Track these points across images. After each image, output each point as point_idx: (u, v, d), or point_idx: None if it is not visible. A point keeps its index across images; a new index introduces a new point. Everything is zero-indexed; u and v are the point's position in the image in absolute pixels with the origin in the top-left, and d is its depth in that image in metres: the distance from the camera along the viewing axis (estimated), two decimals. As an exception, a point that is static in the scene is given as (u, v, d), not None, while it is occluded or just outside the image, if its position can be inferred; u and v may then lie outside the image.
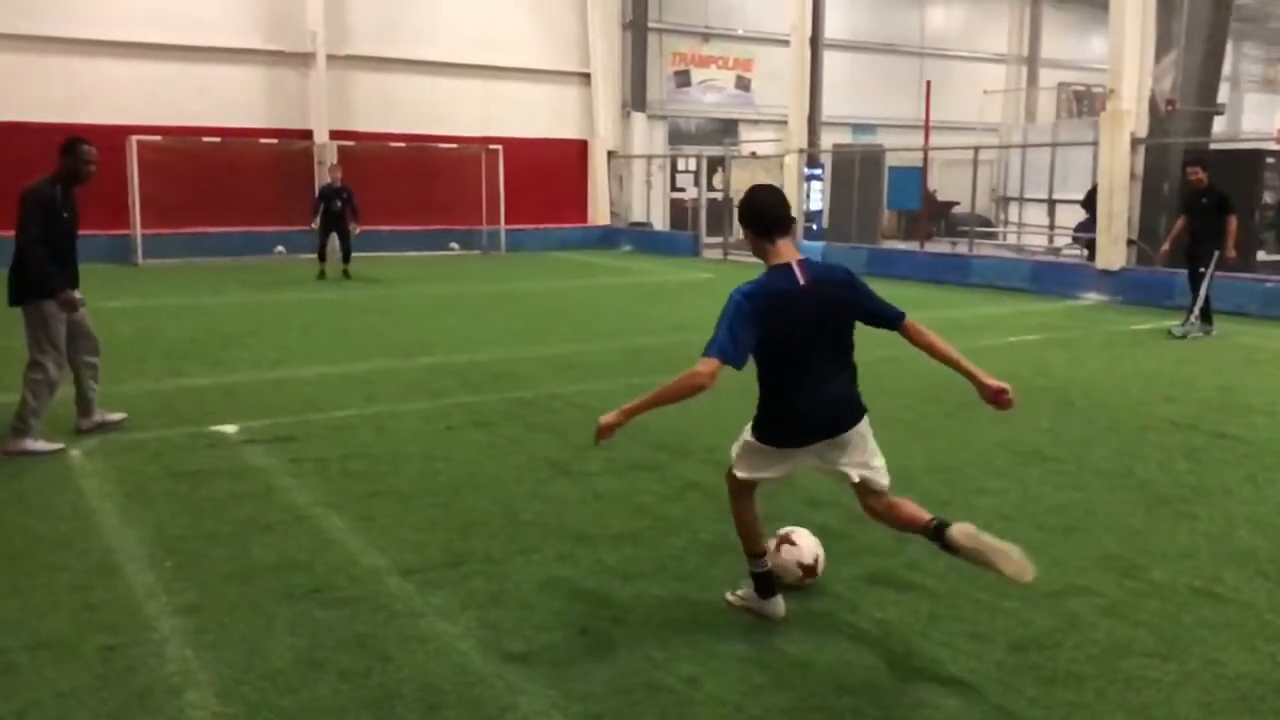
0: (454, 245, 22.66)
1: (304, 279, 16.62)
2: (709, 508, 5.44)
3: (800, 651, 3.80)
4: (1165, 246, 12.77)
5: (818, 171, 22.54)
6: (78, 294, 6.63)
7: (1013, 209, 25.27)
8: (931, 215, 25.36)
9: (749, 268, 19.49)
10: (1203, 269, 11.40)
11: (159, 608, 4.16)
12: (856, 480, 3.93)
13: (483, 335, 11.53)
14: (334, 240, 17.14)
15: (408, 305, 14.38)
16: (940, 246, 21.62)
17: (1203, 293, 11.43)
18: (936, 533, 3.80)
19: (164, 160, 19.22)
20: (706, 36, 26.91)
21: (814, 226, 22.16)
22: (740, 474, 4.02)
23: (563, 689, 3.51)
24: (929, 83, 24.26)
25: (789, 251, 3.85)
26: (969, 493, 5.74)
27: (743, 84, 27.62)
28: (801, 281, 3.80)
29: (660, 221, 26.45)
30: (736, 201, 19.71)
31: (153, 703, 3.41)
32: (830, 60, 23.77)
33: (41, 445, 6.41)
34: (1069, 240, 21.40)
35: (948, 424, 7.42)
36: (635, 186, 26.22)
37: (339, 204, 16.76)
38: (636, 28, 25.46)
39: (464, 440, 6.83)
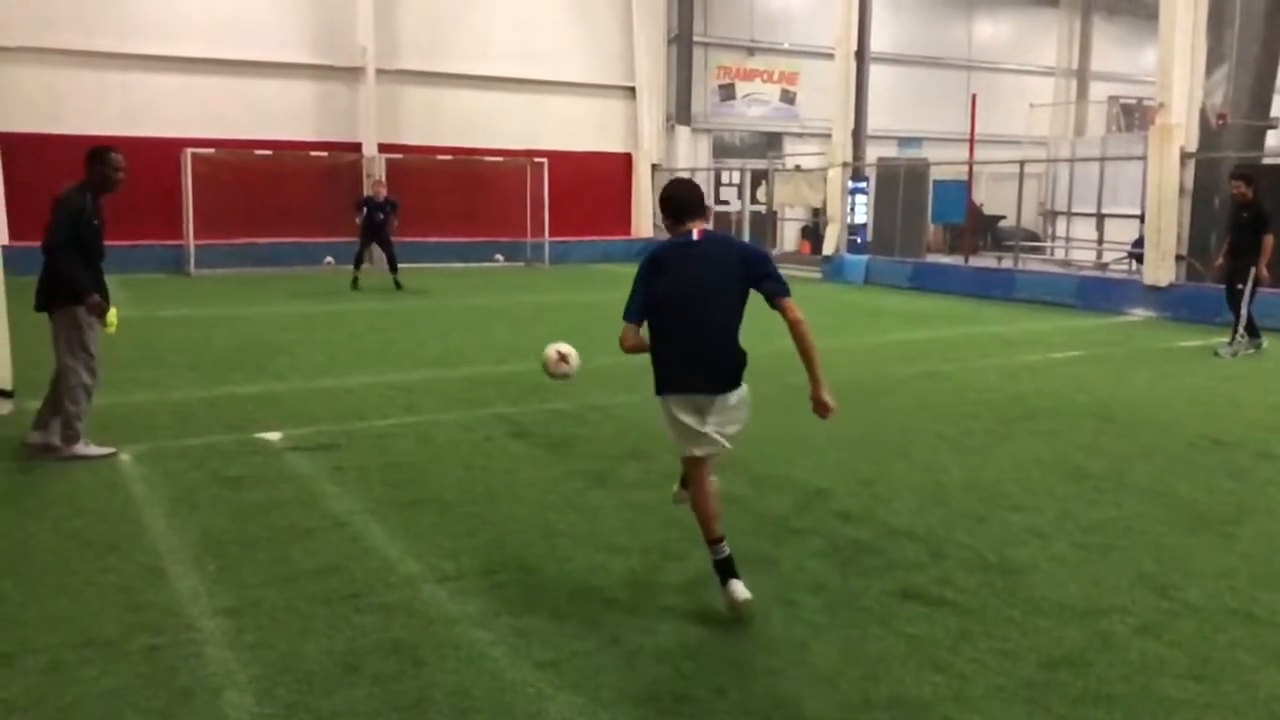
0: (498, 257, 22.88)
1: (352, 290, 16.91)
2: (742, 521, 5.46)
3: (829, 665, 3.81)
4: (1218, 262, 12.57)
5: (863, 185, 22.43)
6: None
7: (1060, 223, 24.98)
8: (977, 229, 25.14)
9: (792, 281, 19.31)
10: (1240, 285, 11.22)
11: (201, 609, 4.28)
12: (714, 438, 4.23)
13: (523, 346, 11.63)
14: (377, 252, 17.50)
15: (451, 316, 14.55)
16: (985, 261, 21.44)
17: (1244, 310, 11.24)
18: (720, 565, 4.19)
19: (217, 172, 19.67)
20: (751, 50, 26.96)
21: (858, 240, 22.05)
22: (683, 452, 4.34)
23: (591, 697, 3.57)
24: (974, 96, 24.08)
25: (695, 226, 4.33)
26: (1004, 509, 5.71)
27: (787, 97, 27.62)
28: (695, 238, 4.27)
29: (703, 234, 26.44)
30: (779, 213, 19.51)
31: (193, 702, 3.51)
32: (876, 73, 23.67)
33: (94, 449, 6.59)
34: (1120, 255, 21.10)
35: (986, 440, 7.37)
36: (679, 199, 26.24)
37: (381, 217, 17.04)
38: (682, 42, 25.58)
39: (502, 450, 6.92)
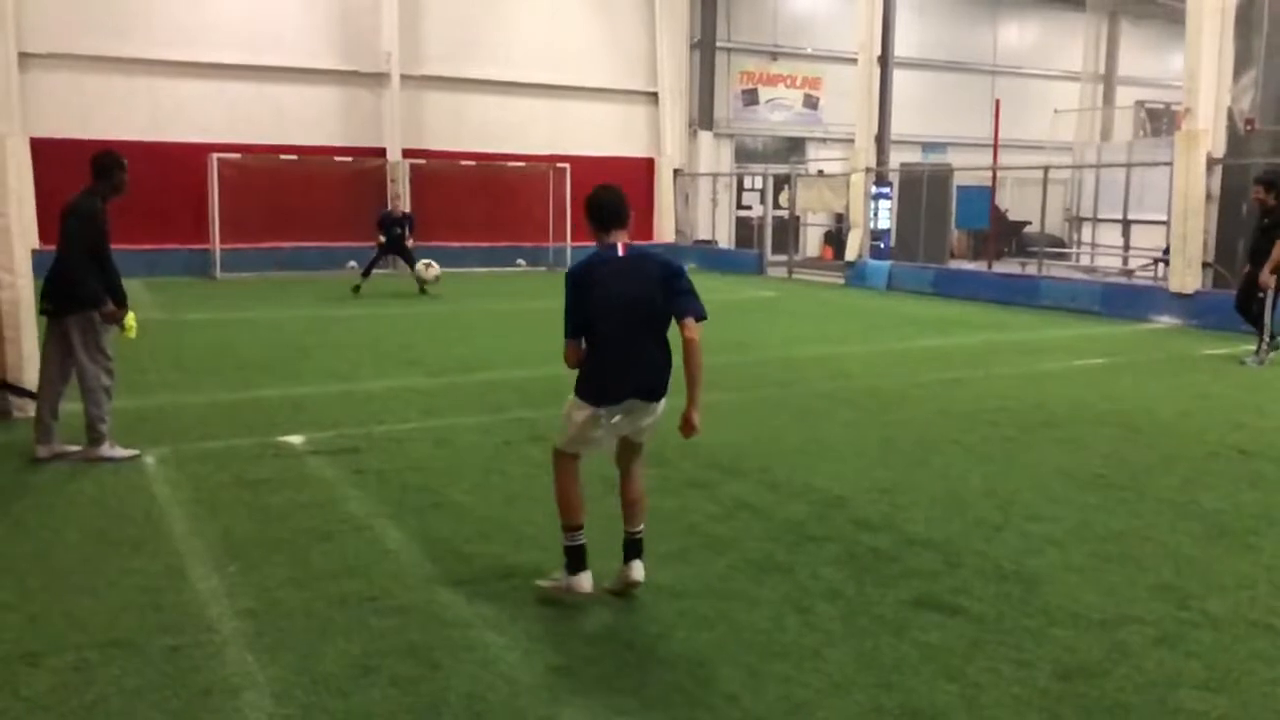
0: (520, 261, 22.98)
1: (374, 294, 16.99)
2: (758, 527, 5.48)
3: (842, 673, 3.81)
4: (1245, 269, 12.44)
5: (886, 190, 22.38)
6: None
7: (1086, 229, 24.80)
8: (1002, 235, 25.00)
9: (814, 286, 19.41)
10: (1261, 294, 11.10)
11: (222, 611, 4.33)
12: (632, 439, 4.50)
13: (543, 351, 11.65)
14: (395, 262, 17.65)
15: (472, 321, 14.63)
16: (1009, 267, 21.32)
17: (1266, 319, 11.13)
18: (630, 546, 4.46)
19: (242, 177, 19.88)
20: (774, 55, 26.95)
21: (881, 245, 22.00)
22: (561, 446, 4.47)
23: (605, 702, 3.59)
24: (998, 101, 23.97)
25: (618, 239, 4.42)
26: (1022, 518, 5.68)
27: (810, 102, 27.59)
28: (620, 253, 4.37)
29: (726, 239, 26.51)
30: (802, 219, 19.48)
31: (212, 702, 3.56)
32: (900, 78, 23.63)
33: (119, 451, 6.67)
34: (1147, 262, 20.92)
35: (1005, 447, 7.34)
36: (701, 204, 26.34)
37: (399, 231, 17.14)
38: (705, 47, 25.63)
39: (520, 455, 6.96)
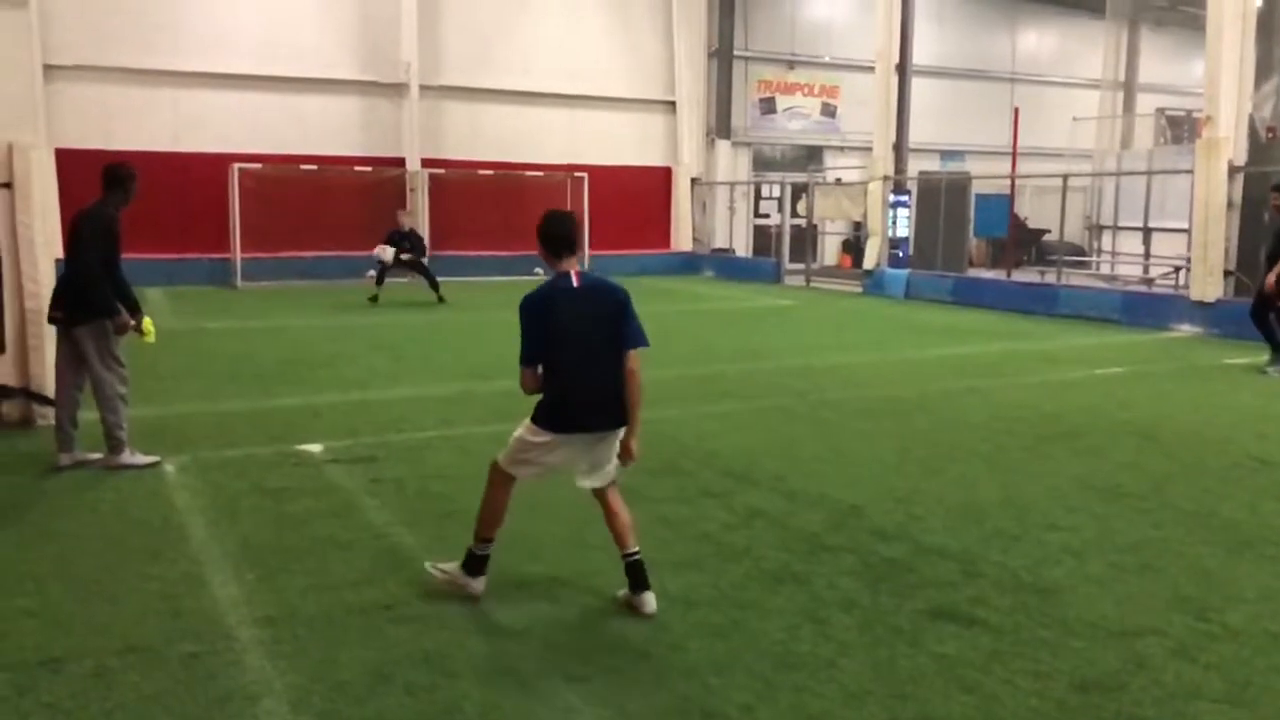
0: (539, 270, 22.95)
1: (393, 303, 17.07)
2: (773, 536, 5.48)
3: (857, 684, 3.81)
4: (1270, 278, 12.34)
5: (904, 198, 22.32)
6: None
7: (1106, 237, 24.66)
8: (1021, 243, 24.88)
9: (832, 295, 19.34)
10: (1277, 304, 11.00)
11: (240, 618, 4.36)
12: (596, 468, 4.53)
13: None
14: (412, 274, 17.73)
15: (489, 329, 14.66)
16: (1028, 275, 21.22)
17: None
18: (631, 569, 4.45)
19: (263, 187, 20.04)
20: (792, 64, 26.96)
21: (900, 254, 21.92)
22: (505, 466, 4.55)
23: (619, 710, 3.59)
24: (1017, 109, 23.89)
25: (570, 265, 4.49)
26: (1040, 528, 5.66)
27: (828, 110, 27.58)
28: (575, 285, 4.43)
29: (743, 248, 26.51)
30: (820, 227, 19.41)
31: (230, 709, 3.59)
32: (918, 86, 23.56)
33: (140, 458, 6.74)
34: (1168, 270, 20.78)
35: (1023, 457, 7.30)
36: (718, 213, 26.35)
37: (408, 246, 17.17)
38: (722, 56, 25.66)
39: (537, 464, 6.96)
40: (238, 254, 20.05)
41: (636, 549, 4.49)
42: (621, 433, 4.49)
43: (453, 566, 4.63)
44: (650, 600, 4.43)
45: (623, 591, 4.53)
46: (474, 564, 4.58)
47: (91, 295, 6.55)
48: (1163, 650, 4.10)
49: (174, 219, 19.66)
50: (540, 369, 4.43)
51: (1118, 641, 4.18)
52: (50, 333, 7.76)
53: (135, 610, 4.43)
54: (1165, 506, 6.11)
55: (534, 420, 4.48)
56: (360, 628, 4.27)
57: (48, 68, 18.61)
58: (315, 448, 7.33)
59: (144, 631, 4.21)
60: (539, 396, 4.49)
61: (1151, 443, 7.79)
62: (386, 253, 16.80)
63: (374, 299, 17.03)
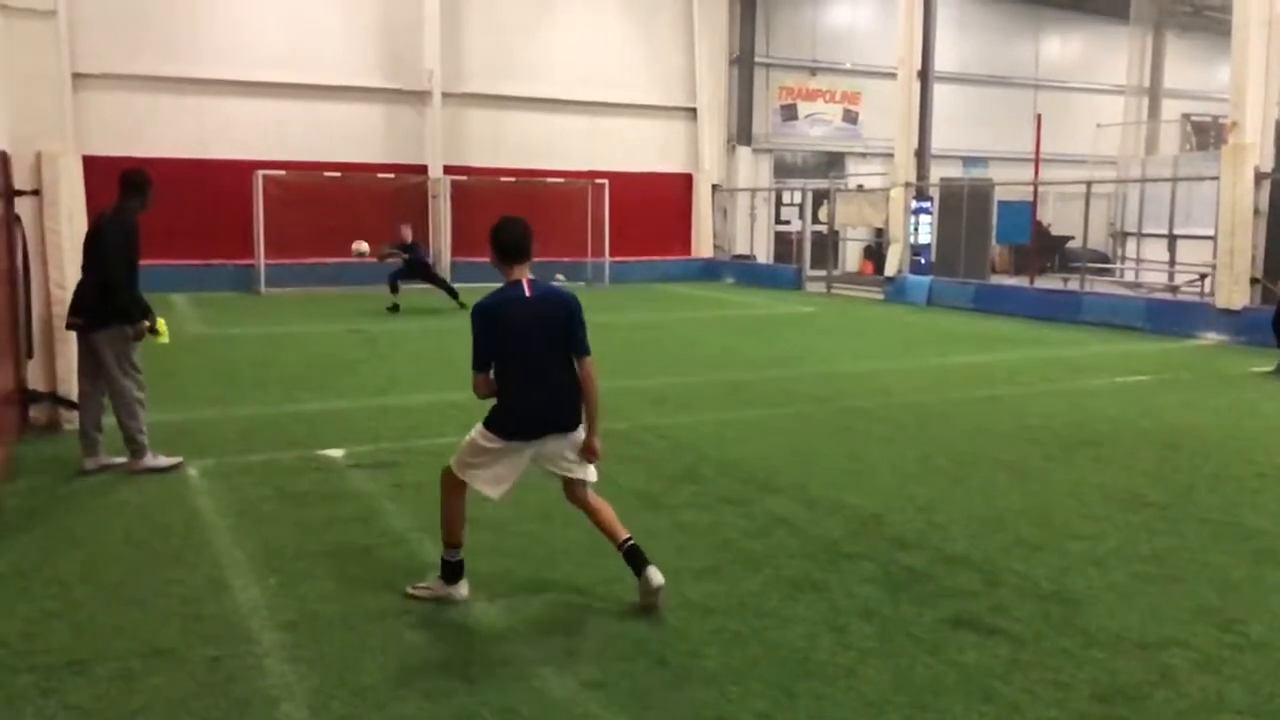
0: (560, 276, 22.95)
1: (414, 308, 17.15)
2: (793, 544, 5.47)
3: (876, 693, 3.79)
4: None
5: (926, 205, 22.23)
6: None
7: (1130, 244, 24.48)
8: (1044, 250, 24.74)
9: (853, 301, 19.27)
10: None
11: (261, 622, 4.40)
12: (561, 474, 4.64)
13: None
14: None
15: (512, 335, 14.70)
16: (1051, 282, 21.08)
17: None
18: (629, 555, 4.54)
19: (287, 194, 20.19)
20: (813, 70, 26.94)
21: (921, 260, 21.83)
22: (456, 470, 4.59)
23: (637, 717, 3.59)
24: (1039, 116, 23.77)
25: (522, 273, 4.59)
26: (1062, 536, 5.62)
27: (850, 117, 27.53)
28: (527, 294, 4.53)
29: (764, 254, 26.49)
30: (841, 233, 19.27)
31: (251, 712, 3.62)
32: (940, 92, 23.52)
33: (162, 460, 6.80)
34: (1194, 278, 20.60)
35: (1045, 466, 7.25)
36: (739, 219, 26.35)
37: (406, 257, 17.08)
38: (743, 62, 25.67)
39: (557, 470, 6.98)
40: (262, 260, 20.21)
41: (629, 535, 4.60)
42: (573, 437, 4.58)
43: (431, 580, 4.70)
44: (656, 574, 4.50)
45: (638, 597, 4.55)
46: (450, 571, 4.64)
47: (118, 301, 6.60)
48: (1186, 661, 4.07)
49: (199, 225, 19.87)
50: (493, 375, 4.51)
51: (1140, 652, 4.14)
52: (76, 338, 7.87)
53: (159, 613, 4.48)
54: (1189, 516, 6.06)
55: (486, 425, 4.56)
56: (380, 633, 4.29)
57: (76, 76, 18.82)
58: (337, 453, 7.38)
59: (167, 634, 4.26)
60: (493, 401, 4.59)
61: (1176, 451, 7.72)
62: (362, 245, 16.75)
63: (394, 308, 17.05)
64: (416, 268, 17.27)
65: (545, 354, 4.52)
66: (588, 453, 4.61)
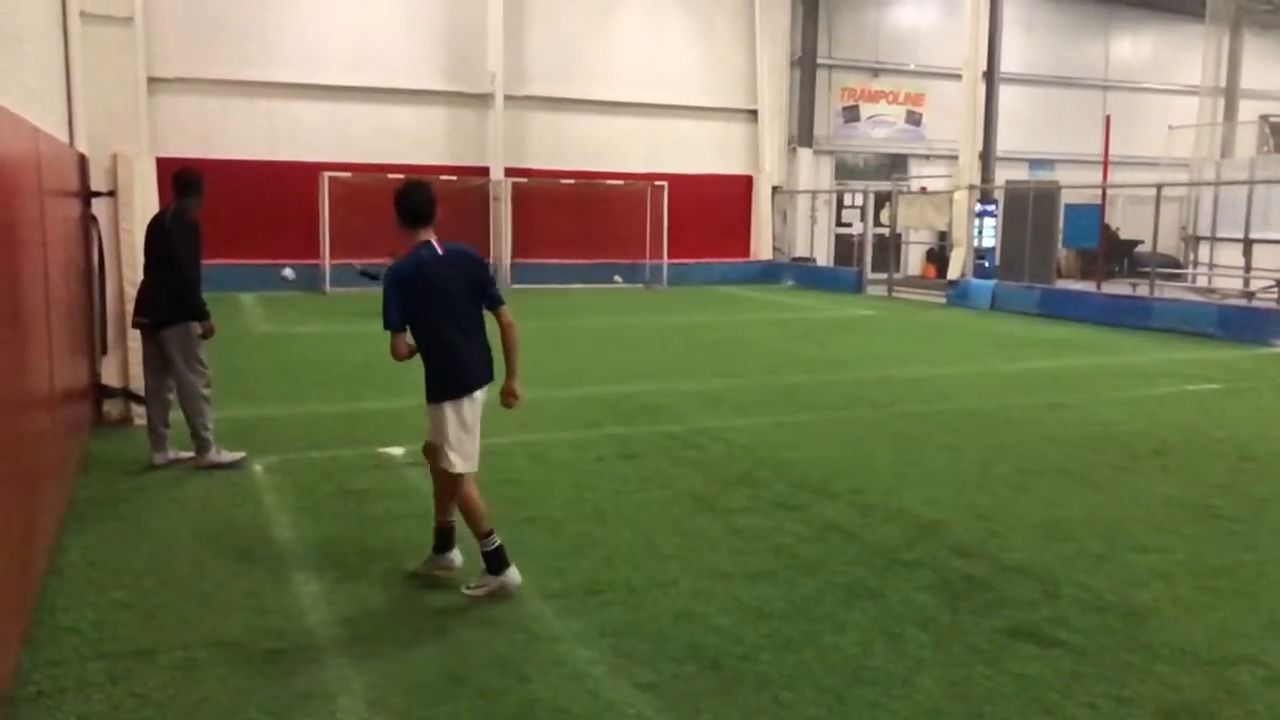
0: (618, 278, 23.16)
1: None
2: (849, 550, 5.42)
3: (931, 702, 3.75)
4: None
5: (991, 208, 21.88)
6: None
7: (1203, 249, 23.83)
8: (1112, 254, 24.20)
9: (915, 305, 19.00)
10: None
11: (321, 616, 4.48)
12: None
13: (636, 368, 11.77)
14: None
15: (567, 336, 14.80)
16: (1119, 287, 20.61)
17: None
18: (442, 531, 4.88)
19: (352, 195, 20.51)
20: (876, 72, 26.68)
21: (985, 264, 21.47)
22: (462, 469, 4.70)
23: (689, 721, 3.59)
24: (1108, 117, 23.27)
25: (429, 234, 4.74)
26: (1126, 548, 5.49)
27: (913, 118, 27.21)
28: (440, 252, 4.69)
29: (824, 257, 26.29)
30: (904, 236, 19.12)
31: (310, 705, 3.69)
32: (1006, 94, 23.17)
33: (226, 455, 6.96)
34: (1270, 284, 20.00)
35: (1111, 475, 7.09)
36: (799, 221, 26.19)
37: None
38: (805, 64, 25.51)
39: (612, 471, 7.02)
40: (326, 260, 20.57)
41: (453, 518, 4.84)
42: (487, 389, 4.77)
43: (483, 576, 4.72)
44: (457, 556, 4.85)
45: (414, 565, 4.95)
46: (494, 560, 4.69)
47: (188, 299, 6.77)
48: (1255, 679, 3.95)
49: (267, 226, 20.32)
50: (411, 338, 4.66)
51: (1207, 669, 4.04)
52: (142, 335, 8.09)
53: (223, 605, 4.58)
54: (1261, 529, 5.88)
55: (440, 398, 4.68)
56: (435, 629, 4.35)
57: (151, 80, 19.33)
58: (397, 451, 7.48)
59: (230, 626, 4.36)
60: (426, 397, 4.74)
61: (1249, 463, 7.50)
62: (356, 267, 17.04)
63: None
64: None
65: (466, 308, 4.71)
66: (509, 396, 4.81)
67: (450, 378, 4.69)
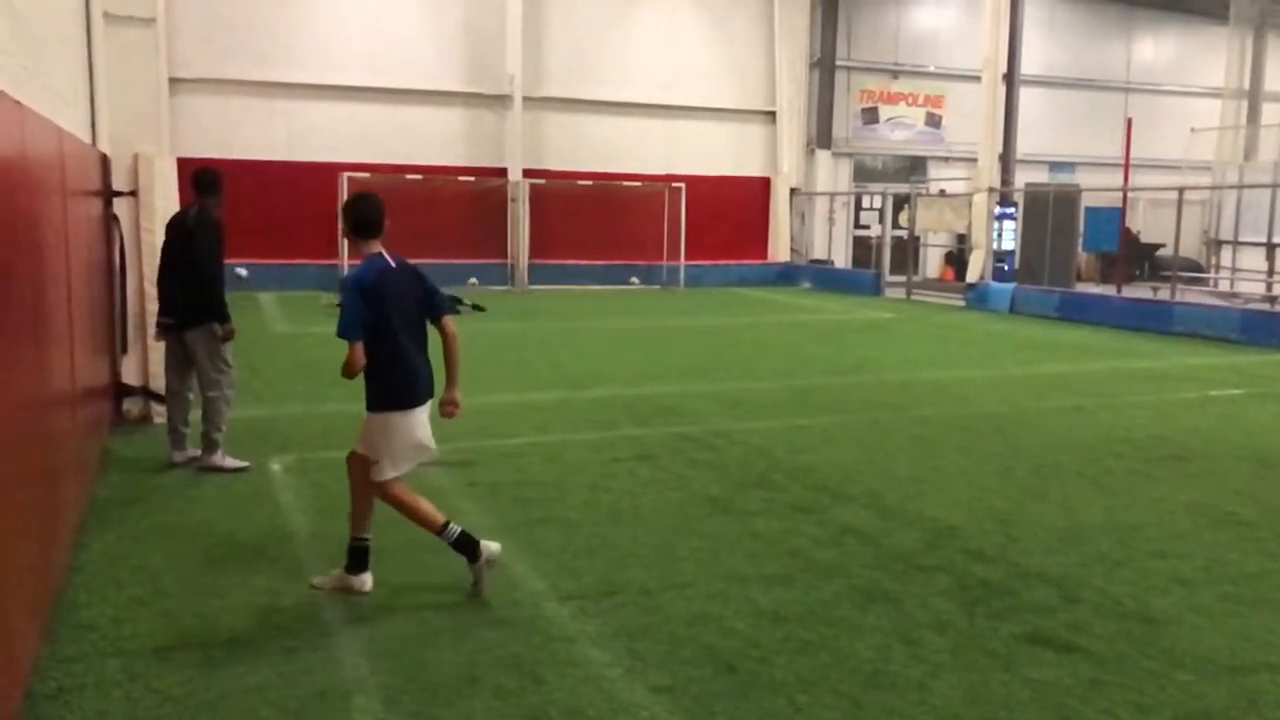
0: (634, 280, 23.17)
1: (489, 311, 17.33)
2: (866, 554, 5.39)
3: (948, 707, 3.72)
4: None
5: (1010, 211, 21.75)
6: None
7: (1225, 253, 23.63)
8: (1132, 258, 24.03)
9: (933, 308, 18.90)
10: None
11: (337, 615, 4.50)
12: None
13: (653, 369, 11.76)
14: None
15: (584, 338, 14.82)
16: (1140, 291, 20.47)
17: None
18: (356, 551, 4.76)
19: (370, 196, 20.62)
20: (895, 73, 26.59)
21: (1004, 267, 21.36)
22: (389, 475, 4.67)
23: (704, 724, 3.59)
24: (1130, 120, 23.11)
25: (378, 247, 4.75)
26: (1146, 555, 5.45)
27: (933, 121, 27.11)
28: (392, 265, 4.71)
29: (842, 259, 26.21)
30: (922, 239, 18.99)
31: (326, 704, 3.70)
32: (1026, 96, 23.00)
33: (229, 462, 6.91)
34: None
35: (1130, 480, 7.04)
36: (817, 224, 26.13)
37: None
38: (824, 65, 25.45)
39: (628, 473, 7.01)
40: (345, 260, 20.60)
41: (448, 520, 4.74)
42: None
43: (475, 574, 4.72)
44: (367, 580, 4.73)
45: (318, 580, 4.81)
46: (463, 547, 4.70)
47: (212, 300, 6.80)
48: (1276, 687, 3.92)
49: (286, 226, 20.44)
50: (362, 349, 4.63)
51: (1228, 676, 4.00)
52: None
53: (239, 604, 4.60)
54: (1283, 536, 5.83)
55: (385, 408, 4.68)
56: (451, 629, 4.35)
57: (172, 81, 19.48)
58: (413, 451, 7.48)
59: (247, 625, 4.38)
60: (370, 406, 4.76)
61: (1270, 469, 7.43)
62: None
63: (478, 307, 17.10)
64: None
65: (415, 321, 4.74)
66: (449, 405, 4.82)
67: (402, 388, 4.69)
